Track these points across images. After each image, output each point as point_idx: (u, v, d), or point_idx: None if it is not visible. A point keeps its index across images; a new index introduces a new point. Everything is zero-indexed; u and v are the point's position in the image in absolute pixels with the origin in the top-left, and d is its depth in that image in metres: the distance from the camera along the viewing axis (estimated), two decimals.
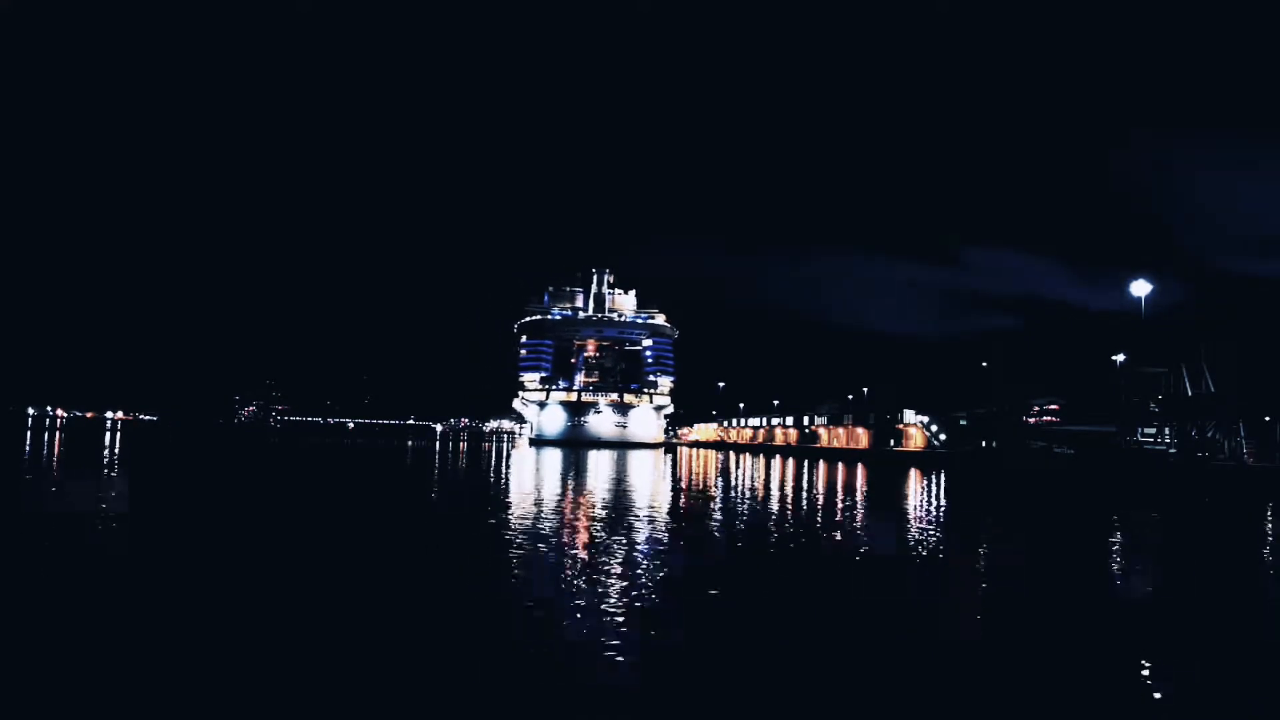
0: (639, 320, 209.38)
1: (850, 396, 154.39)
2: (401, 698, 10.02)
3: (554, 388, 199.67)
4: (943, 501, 43.43)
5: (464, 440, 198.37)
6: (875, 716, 10.07)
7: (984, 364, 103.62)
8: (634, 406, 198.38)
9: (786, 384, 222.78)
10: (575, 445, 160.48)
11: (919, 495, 47.46)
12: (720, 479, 59.87)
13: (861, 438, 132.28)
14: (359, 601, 15.18)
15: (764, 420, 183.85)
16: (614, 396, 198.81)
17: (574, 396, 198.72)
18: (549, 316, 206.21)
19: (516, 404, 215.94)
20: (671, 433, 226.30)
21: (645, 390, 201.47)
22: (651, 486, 49.53)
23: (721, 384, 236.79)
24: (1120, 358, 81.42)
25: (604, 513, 31.95)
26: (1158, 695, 11.17)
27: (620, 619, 14.11)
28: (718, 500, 40.46)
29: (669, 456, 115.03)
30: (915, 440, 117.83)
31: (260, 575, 17.54)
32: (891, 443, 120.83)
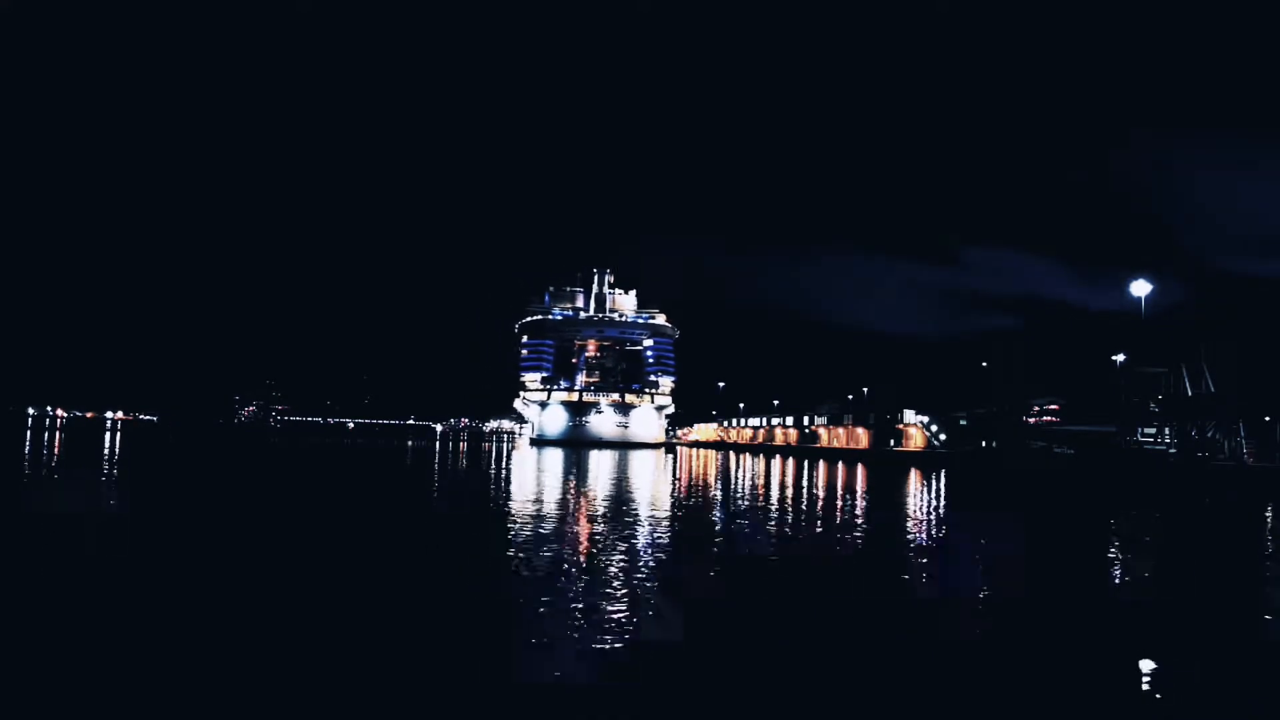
0: (640, 320, 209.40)
1: (850, 396, 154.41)
2: (401, 698, 10.06)
3: (555, 388, 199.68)
4: (943, 501, 43.46)
5: (464, 440, 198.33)
6: (875, 716, 10.12)
7: (984, 364, 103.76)
8: (635, 406, 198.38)
9: (786, 384, 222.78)
10: (577, 445, 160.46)
11: (919, 495, 47.49)
12: (721, 479, 59.90)
13: (861, 438, 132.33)
14: (359, 601, 15.21)
15: (764, 420, 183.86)
16: (615, 396, 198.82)
17: (575, 396, 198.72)
18: (550, 316, 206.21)
19: (517, 404, 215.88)
20: (672, 433, 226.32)
21: (646, 390, 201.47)
22: (654, 486, 49.55)
23: (721, 384, 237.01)
24: (1120, 358, 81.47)
25: (609, 512, 31.97)
26: (1158, 695, 11.22)
27: (622, 618, 14.14)
28: (720, 500, 40.47)
29: (670, 457, 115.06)
30: (915, 440, 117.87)
31: (259, 576, 17.56)
32: (891, 443, 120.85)
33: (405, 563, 19.89)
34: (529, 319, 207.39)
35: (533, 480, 52.40)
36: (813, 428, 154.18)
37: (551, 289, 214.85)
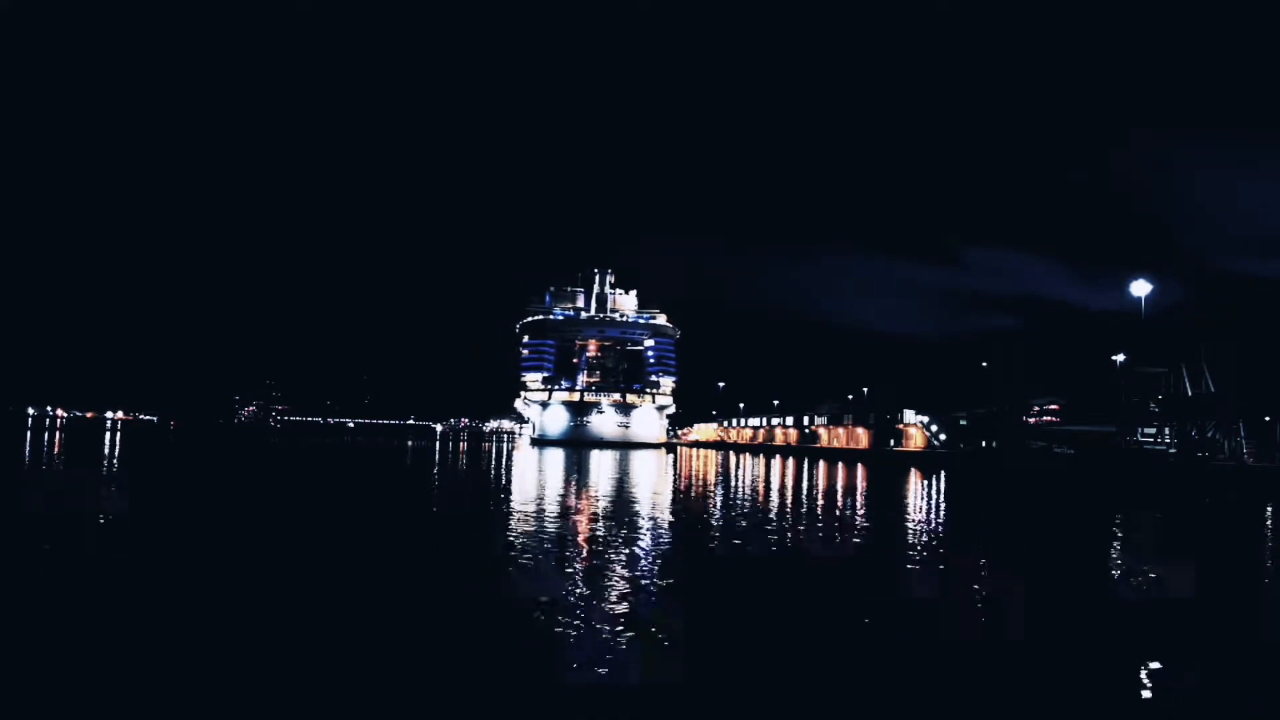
0: (641, 320, 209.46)
1: (850, 396, 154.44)
2: (401, 698, 10.10)
3: (556, 388, 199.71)
4: (943, 502, 43.51)
5: (464, 440, 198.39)
6: (875, 716, 10.16)
7: (984, 364, 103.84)
8: (636, 406, 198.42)
9: (786, 384, 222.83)
10: (578, 445, 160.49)
11: (919, 495, 47.53)
12: (723, 479, 59.94)
13: (861, 438, 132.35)
14: (359, 601, 15.24)
15: (764, 420, 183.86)
16: (616, 396, 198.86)
17: (576, 396, 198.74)
18: (551, 316, 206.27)
19: (518, 404, 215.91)
20: (672, 433, 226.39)
21: (647, 390, 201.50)
22: (656, 486, 49.59)
23: (722, 384, 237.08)
24: (1120, 358, 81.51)
25: (613, 511, 32.02)
26: (1158, 695, 11.27)
27: (623, 618, 14.18)
28: (722, 499, 40.52)
29: (670, 456, 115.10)
30: (915, 440, 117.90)
31: (259, 576, 17.59)
32: (891, 443, 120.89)
33: (405, 563, 19.91)
34: (530, 319, 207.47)
35: (537, 480, 52.43)
36: (813, 428, 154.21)
37: (552, 289, 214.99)
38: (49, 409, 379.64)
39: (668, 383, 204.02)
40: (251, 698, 9.94)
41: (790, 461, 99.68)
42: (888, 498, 45.30)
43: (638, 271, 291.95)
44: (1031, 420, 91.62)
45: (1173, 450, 64.24)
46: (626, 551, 22.02)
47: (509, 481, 51.53)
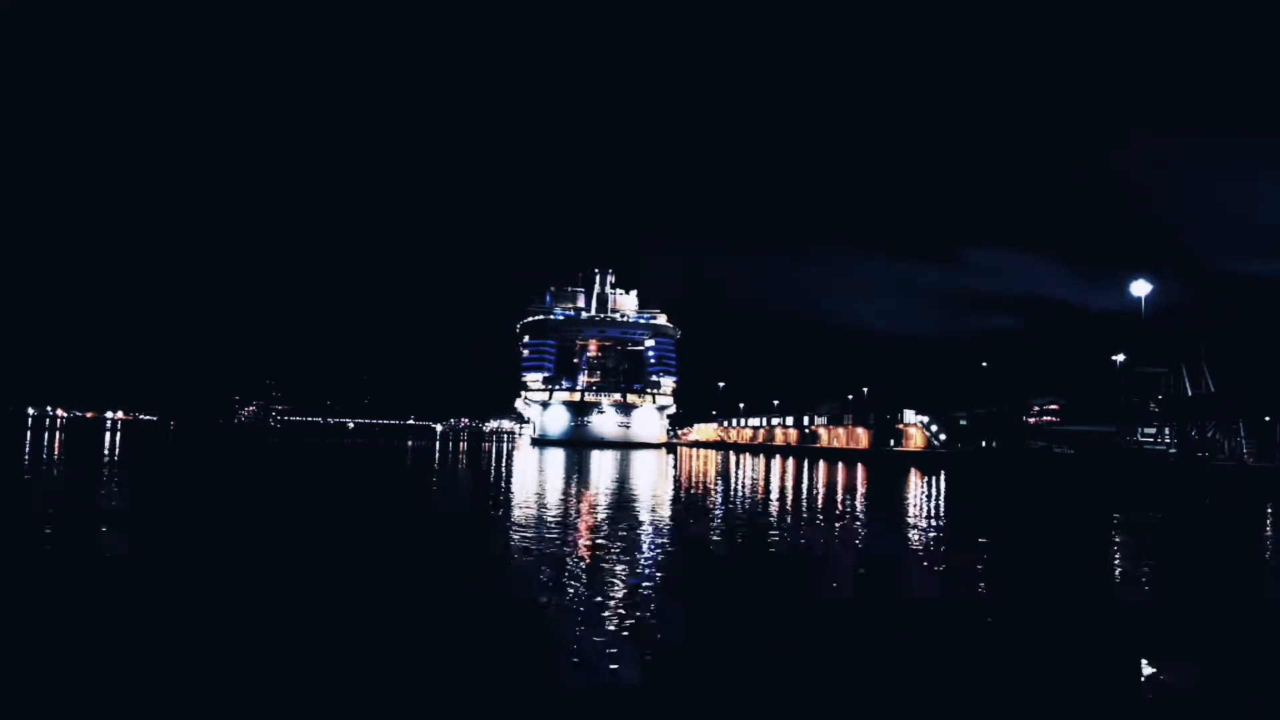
0: (641, 320, 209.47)
1: (850, 396, 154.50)
2: (401, 698, 10.13)
3: (557, 388, 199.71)
4: (943, 501, 43.53)
5: (464, 440, 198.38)
6: (875, 716, 10.18)
7: (984, 364, 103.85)
8: (637, 407, 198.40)
9: (786, 384, 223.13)
10: (579, 445, 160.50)
11: (919, 495, 47.55)
12: (724, 479, 59.97)
13: (861, 438, 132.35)
14: (359, 601, 15.26)
15: (764, 420, 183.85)
16: (617, 396, 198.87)
17: (577, 396, 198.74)
18: (552, 316, 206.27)
19: (519, 404, 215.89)
20: (672, 433, 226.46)
21: (648, 390, 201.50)
22: (657, 486, 49.62)
23: (721, 384, 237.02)
24: (1120, 358, 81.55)
25: (616, 511, 32.05)
26: (1158, 695, 11.29)
27: (626, 617, 14.20)
28: (724, 500, 40.55)
29: (671, 457, 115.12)
30: (915, 440, 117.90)
31: (258, 578, 17.61)
32: (891, 443, 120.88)
33: (405, 564, 19.93)
34: (530, 319, 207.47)
35: (540, 480, 52.45)
36: (813, 428, 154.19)
37: (553, 289, 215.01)
38: (49, 409, 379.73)
39: (668, 383, 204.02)
40: (251, 699, 9.96)
41: (790, 461, 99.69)
42: (888, 498, 45.32)
43: (638, 272, 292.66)
44: (1031, 420, 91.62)
45: (1173, 450, 64.25)
46: (628, 551, 22.03)
47: (511, 482, 51.54)
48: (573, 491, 42.97)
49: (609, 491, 43.57)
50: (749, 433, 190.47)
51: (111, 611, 13.91)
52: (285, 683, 10.50)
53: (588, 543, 23.49)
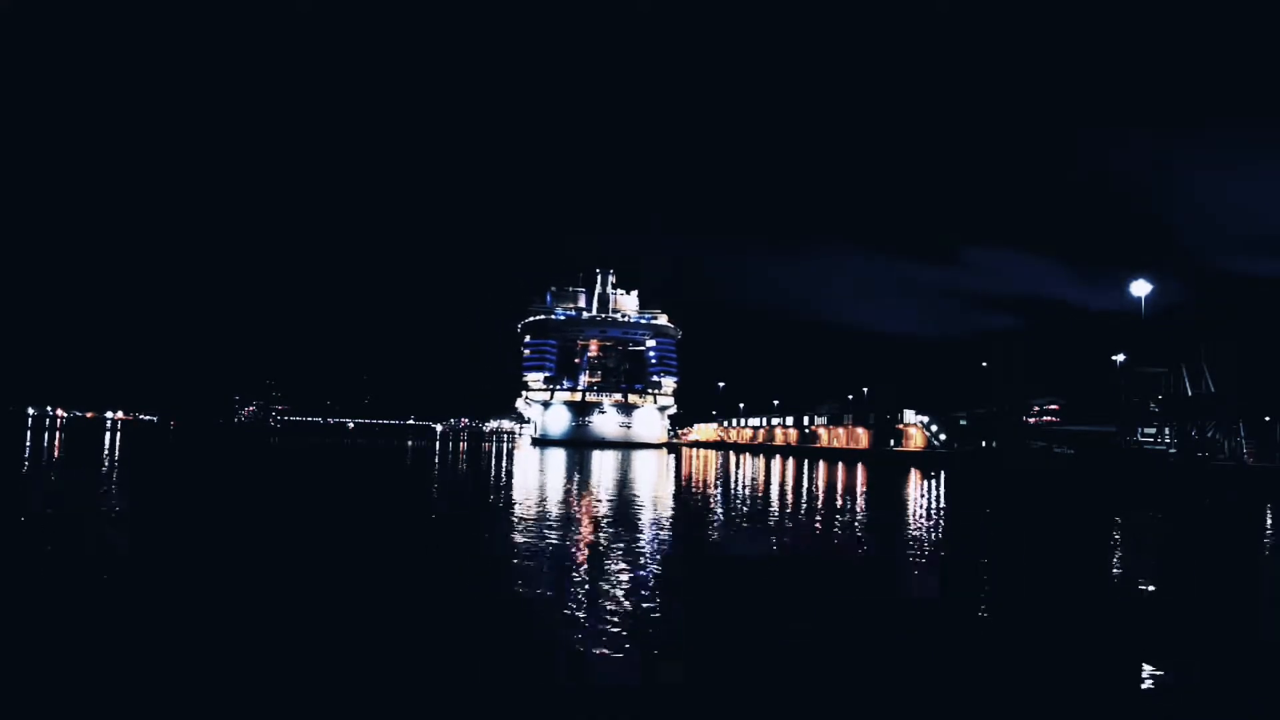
0: (642, 320, 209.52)
1: (850, 396, 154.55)
2: (402, 698, 10.17)
3: (558, 388, 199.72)
4: (943, 502, 43.57)
5: (464, 440, 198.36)
6: (875, 716, 10.23)
7: (984, 364, 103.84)
8: (638, 407, 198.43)
9: (786, 384, 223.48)
10: (580, 445, 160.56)
11: (919, 495, 47.59)
12: (726, 480, 60.01)
13: (861, 438, 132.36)
14: (359, 601, 15.30)
15: (764, 420, 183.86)
16: (618, 396, 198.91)
17: (578, 396, 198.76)
18: (553, 316, 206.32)
19: (520, 404, 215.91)
20: (672, 433, 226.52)
21: (649, 390, 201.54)
22: (659, 486, 49.66)
23: (722, 384, 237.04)
24: (1120, 358, 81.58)
25: (621, 511, 32.10)
26: (1158, 695, 11.33)
27: (628, 616, 14.23)
28: (726, 500, 40.58)
29: (672, 457, 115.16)
30: (915, 440, 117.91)
31: (258, 580, 17.65)
32: (891, 443, 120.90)
33: (406, 565, 19.96)
34: (532, 319, 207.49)
35: (545, 480, 52.46)
36: (813, 428, 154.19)
37: (553, 289, 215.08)
38: (49, 409, 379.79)
39: (669, 383, 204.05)
40: (252, 700, 10.00)
41: (790, 462, 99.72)
42: (888, 498, 45.36)
43: (638, 272, 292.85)
44: (1031, 420, 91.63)
45: (1173, 450, 64.25)
46: (631, 550, 22.07)
47: (512, 482, 51.56)
48: (576, 492, 43.00)
49: (612, 492, 43.60)
50: (749, 433, 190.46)
51: (111, 612, 13.95)
52: (285, 683, 10.54)
53: (591, 543, 23.53)
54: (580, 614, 14.43)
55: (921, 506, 40.40)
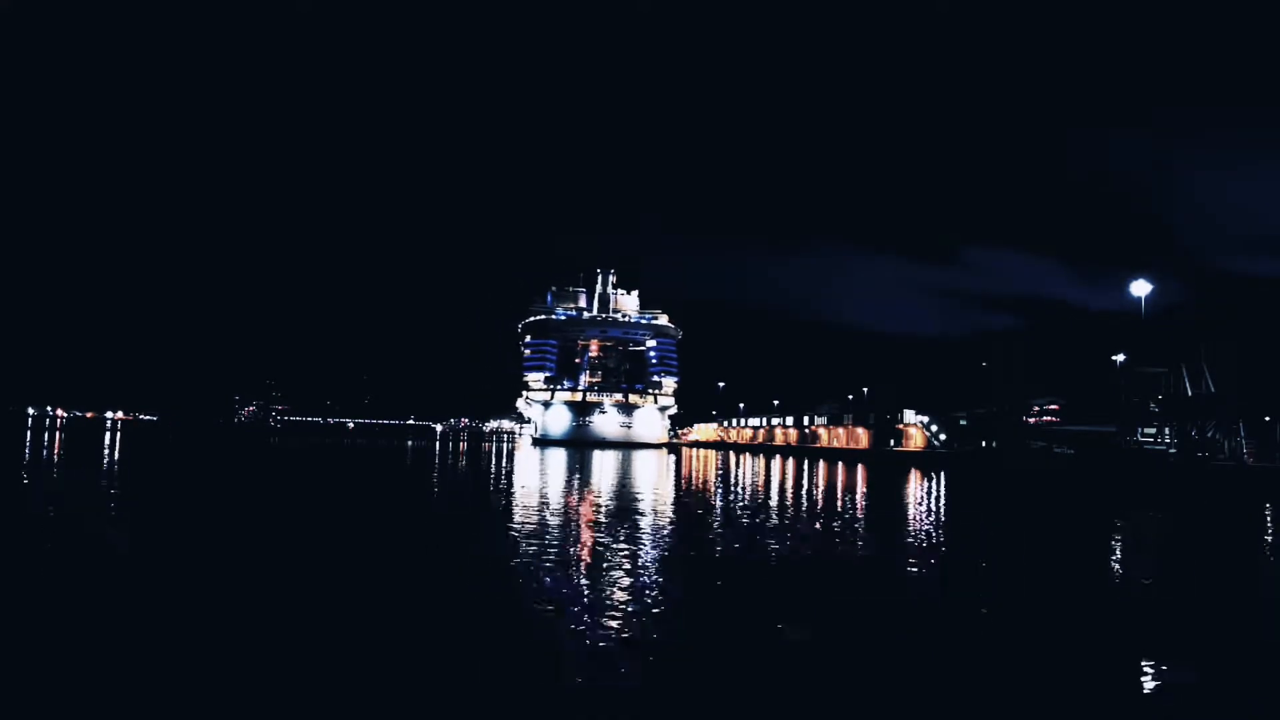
0: (643, 321, 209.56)
1: (850, 396, 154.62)
2: (402, 699, 10.18)
3: (559, 388, 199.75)
4: (943, 502, 43.59)
5: (464, 440, 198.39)
6: (875, 716, 10.25)
7: (984, 364, 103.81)
8: (639, 407, 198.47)
9: (786, 384, 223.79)
10: (580, 445, 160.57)
11: (919, 495, 47.62)
12: (728, 480, 60.04)
13: (861, 438, 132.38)
14: (359, 602, 15.32)
15: (764, 420, 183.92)
16: (618, 397, 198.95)
17: (579, 396, 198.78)
18: (553, 316, 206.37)
19: (520, 404, 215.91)
20: (672, 433, 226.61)
21: (649, 390, 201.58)
22: (661, 486, 49.69)
23: (721, 384, 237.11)
24: (1120, 358, 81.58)
25: (626, 510, 32.13)
26: (1158, 695, 11.35)
27: (628, 616, 14.25)
28: (728, 500, 40.61)
29: (673, 457, 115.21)
30: (915, 440, 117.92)
31: (258, 581, 17.66)
32: (891, 443, 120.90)
33: (406, 566, 19.98)
34: (532, 319, 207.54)
35: (547, 480, 52.48)
36: (813, 428, 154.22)
37: (554, 289, 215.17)
38: (49, 409, 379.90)
39: (670, 383, 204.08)
40: (251, 701, 10.02)
41: (790, 462, 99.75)
42: (888, 498, 45.39)
43: (638, 272, 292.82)
44: (1031, 420, 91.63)
45: (1173, 450, 64.24)
46: (633, 550, 22.09)
47: (513, 481, 51.57)
48: (577, 491, 43.02)
49: (613, 491, 43.62)
50: (749, 433, 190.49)
51: (110, 613, 13.96)
52: (285, 684, 10.56)
53: (592, 542, 23.54)
54: (580, 614, 14.44)
55: (921, 507, 40.42)
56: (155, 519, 26.98)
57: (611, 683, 10.89)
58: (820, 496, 44.44)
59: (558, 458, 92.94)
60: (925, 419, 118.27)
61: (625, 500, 38.34)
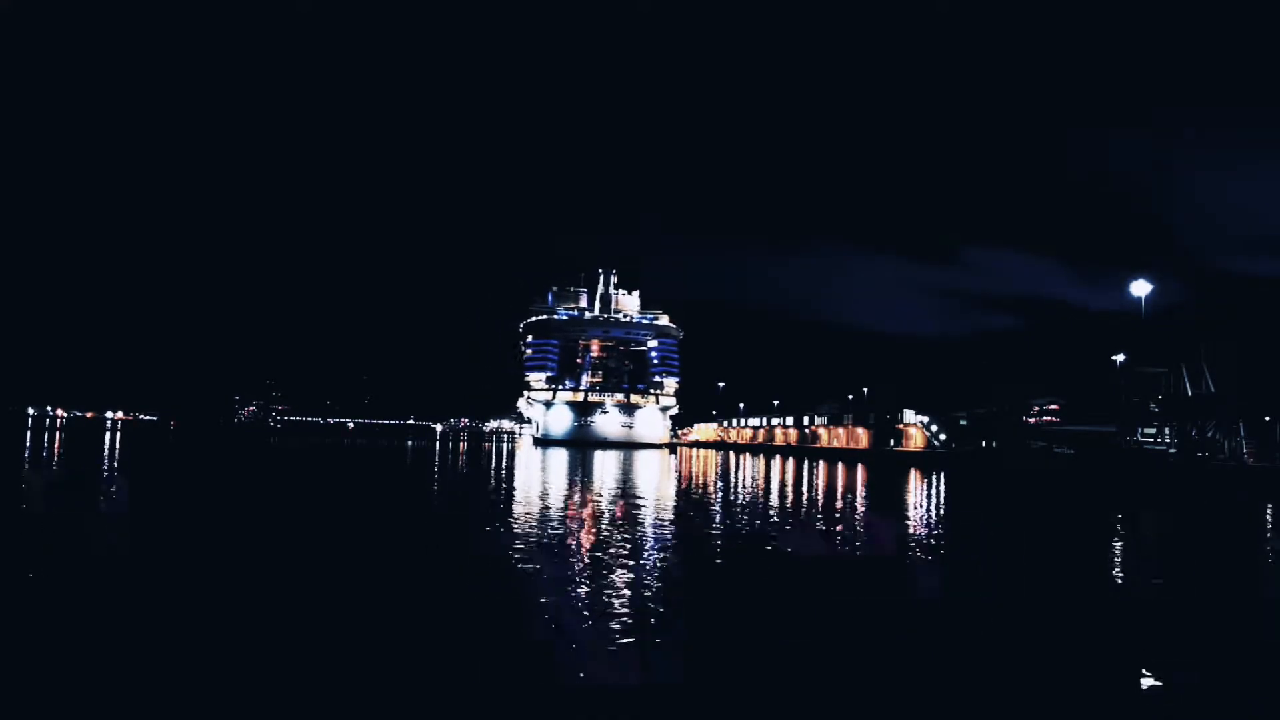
0: (644, 321, 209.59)
1: (850, 396, 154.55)
2: (402, 699, 10.22)
3: (560, 388, 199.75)
4: (943, 502, 43.63)
5: (464, 440, 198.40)
6: (875, 716, 10.29)
7: (984, 364, 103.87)
8: (640, 407, 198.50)
9: (786, 384, 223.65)
10: (582, 445, 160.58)
11: (919, 495, 47.65)
12: (729, 480, 60.07)
13: (861, 438, 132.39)
14: (359, 602, 15.33)
15: (764, 420, 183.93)
16: (620, 397, 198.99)
17: (580, 396, 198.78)
18: (555, 316, 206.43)
19: (521, 404, 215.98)
20: (673, 433, 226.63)
21: (651, 391, 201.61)
22: (664, 486, 49.73)
23: (722, 384, 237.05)
24: (1120, 358, 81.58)
25: (630, 510, 32.16)
26: (1157, 695, 11.39)
27: (629, 616, 14.28)
28: (731, 500, 40.64)
29: (674, 457, 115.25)
30: (915, 440, 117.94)
31: (257, 579, 17.68)
32: (891, 443, 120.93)
33: (407, 567, 20.00)
34: (534, 319, 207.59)
35: (550, 480, 52.52)
36: (813, 428, 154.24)
37: (555, 289, 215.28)
38: (49, 409, 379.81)
39: (671, 383, 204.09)
40: (251, 701, 10.06)
41: (790, 462, 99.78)
42: (888, 498, 45.42)
43: (639, 272, 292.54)
44: (1031, 420, 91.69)
45: (1173, 450, 64.26)
46: (637, 549, 22.12)
47: (519, 481, 51.61)
48: (580, 491, 43.06)
49: (614, 491, 43.66)
50: (749, 433, 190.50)
51: (109, 613, 13.99)
52: (285, 684, 10.59)
53: (593, 542, 23.58)
54: (581, 614, 14.47)
55: (921, 507, 40.46)
56: (155, 519, 27.00)
57: (611, 682, 10.93)
58: (820, 497, 44.47)
59: (560, 457, 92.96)
60: (925, 419, 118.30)
61: (627, 500, 38.38)
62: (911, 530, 29.59)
